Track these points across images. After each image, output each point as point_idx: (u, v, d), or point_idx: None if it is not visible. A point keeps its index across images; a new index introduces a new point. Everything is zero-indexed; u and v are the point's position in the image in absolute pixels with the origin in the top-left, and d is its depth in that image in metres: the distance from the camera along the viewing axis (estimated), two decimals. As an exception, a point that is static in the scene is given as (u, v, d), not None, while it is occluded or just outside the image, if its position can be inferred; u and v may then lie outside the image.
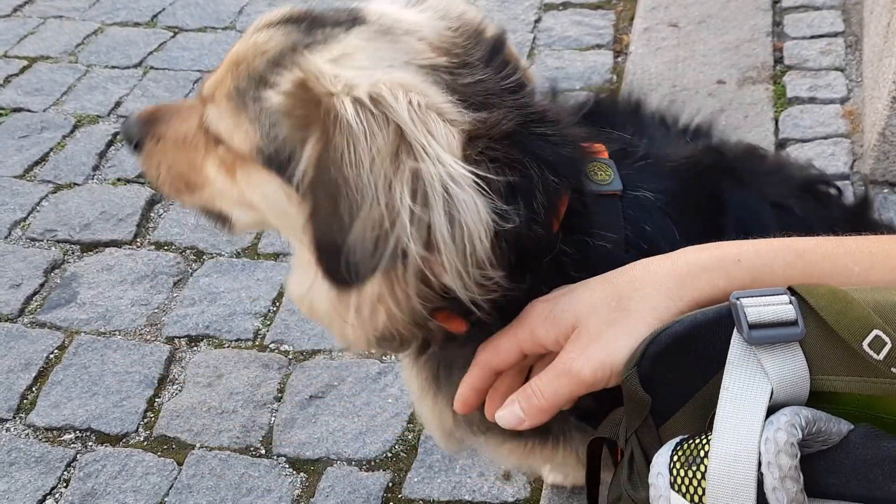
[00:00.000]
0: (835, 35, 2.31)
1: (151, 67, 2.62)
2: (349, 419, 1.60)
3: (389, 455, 1.54)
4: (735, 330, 0.57)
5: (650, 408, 0.60)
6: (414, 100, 0.66)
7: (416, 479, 1.49)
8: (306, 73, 0.70)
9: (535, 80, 0.84)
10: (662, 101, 2.12)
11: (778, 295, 0.58)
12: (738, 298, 0.57)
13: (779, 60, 2.27)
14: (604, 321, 0.66)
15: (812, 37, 2.32)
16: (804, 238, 0.66)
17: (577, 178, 0.75)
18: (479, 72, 0.73)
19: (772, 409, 0.54)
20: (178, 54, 2.68)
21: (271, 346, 1.76)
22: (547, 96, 0.87)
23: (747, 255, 0.65)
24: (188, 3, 2.93)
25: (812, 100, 2.11)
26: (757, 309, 0.56)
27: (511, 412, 0.71)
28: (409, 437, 1.56)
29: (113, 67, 2.63)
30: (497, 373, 0.75)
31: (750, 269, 0.64)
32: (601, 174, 0.77)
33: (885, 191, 1.84)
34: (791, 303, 0.57)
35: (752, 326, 0.56)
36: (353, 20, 0.76)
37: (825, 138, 1.99)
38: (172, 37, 2.76)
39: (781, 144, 2.01)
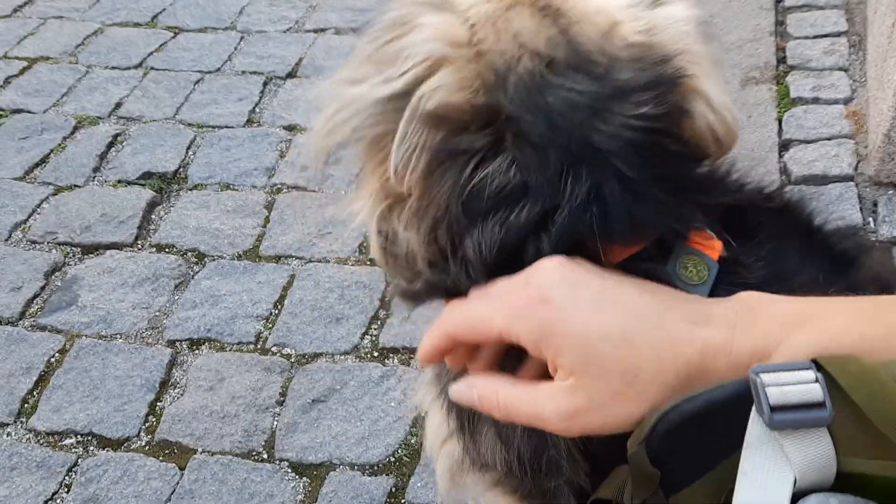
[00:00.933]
0: (838, 35, 2.30)
1: (152, 68, 2.61)
2: (352, 423, 1.59)
3: (392, 460, 1.53)
4: (754, 408, 0.51)
5: (661, 482, 0.55)
6: None
7: (419, 484, 1.48)
8: None
9: None
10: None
11: (802, 370, 0.51)
12: (757, 374, 0.51)
13: (782, 60, 2.26)
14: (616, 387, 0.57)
15: (815, 36, 2.31)
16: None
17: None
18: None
19: (796, 496, 0.49)
20: (178, 55, 2.67)
21: (273, 349, 1.75)
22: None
23: (828, 320, 0.57)
24: (188, 4, 2.92)
25: (816, 100, 2.10)
26: (780, 389, 0.50)
27: (466, 395, 0.64)
28: (412, 441, 1.55)
29: (113, 68, 2.62)
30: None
31: (829, 334, 0.56)
32: (692, 270, 0.66)
33: (890, 192, 1.83)
34: (817, 380, 0.51)
35: (774, 409, 0.49)
36: None
37: (829, 139, 1.98)
38: (173, 37, 2.75)
39: (785, 145, 2.00)
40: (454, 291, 0.70)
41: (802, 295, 0.61)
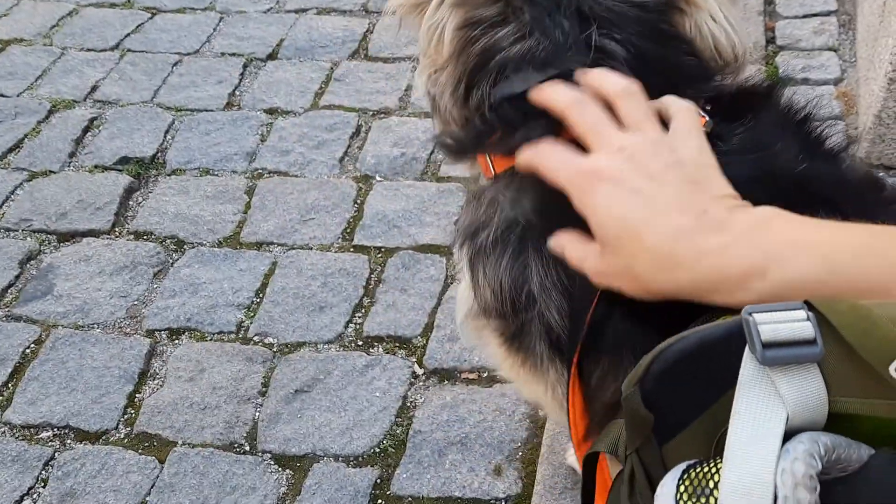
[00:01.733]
0: (828, 14, 2.27)
1: (128, 50, 2.55)
2: (336, 414, 1.56)
3: (377, 450, 1.50)
4: (747, 348, 0.53)
5: (654, 424, 0.56)
6: None
7: (404, 476, 1.46)
8: None
9: None
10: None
11: (794, 310, 0.53)
12: (750, 314, 0.52)
13: (771, 40, 2.23)
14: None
15: (805, 16, 2.28)
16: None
17: None
18: None
19: (787, 435, 0.50)
20: (155, 36, 2.60)
21: (255, 338, 1.71)
22: None
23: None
24: (166, -17, 2.85)
25: (805, 80, 2.07)
26: (771, 326, 0.51)
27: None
28: (398, 431, 1.53)
29: (89, 50, 2.55)
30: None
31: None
32: None
33: (881, 174, 1.81)
34: (809, 319, 0.52)
35: (766, 345, 0.51)
36: None
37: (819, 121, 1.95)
38: (150, 18, 2.68)
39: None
40: (483, 149, 0.80)
41: (781, 163, 0.71)
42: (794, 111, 0.81)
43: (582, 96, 0.70)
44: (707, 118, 0.73)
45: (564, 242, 0.70)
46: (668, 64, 0.76)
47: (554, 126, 0.72)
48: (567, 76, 0.72)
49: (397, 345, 1.67)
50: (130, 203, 2.04)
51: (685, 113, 0.70)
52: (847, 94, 2.01)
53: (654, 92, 0.71)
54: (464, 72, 0.78)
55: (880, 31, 1.81)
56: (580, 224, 0.68)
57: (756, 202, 0.64)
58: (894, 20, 1.68)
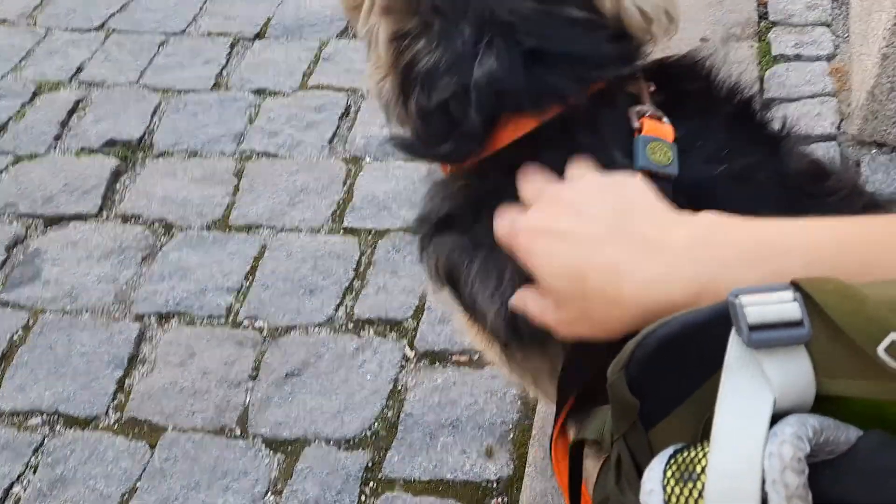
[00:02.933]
0: (820, -10, 2.24)
1: (114, 30, 2.51)
2: (327, 397, 1.55)
3: (369, 434, 1.50)
4: (733, 330, 0.52)
5: (640, 410, 0.55)
6: None
7: (396, 459, 1.45)
8: None
9: None
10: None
11: (780, 291, 0.51)
12: (736, 296, 0.51)
13: (763, 16, 2.21)
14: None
15: (798, -9, 2.25)
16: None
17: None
18: None
19: (775, 417, 0.49)
20: (141, 16, 2.56)
21: (245, 322, 1.70)
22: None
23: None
24: (151, -38, 2.80)
25: (798, 57, 2.05)
26: (758, 308, 0.50)
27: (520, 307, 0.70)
28: (389, 414, 1.52)
29: (73, 31, 2.52)
30: None
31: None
32: (660, 154, 0.71)
33: (874, 151, 1.79)
34: (796, 300, 0.51)
35: (753, 328, 0.50)
36: None
37: (811, 97, 1.94)
38: (135, -3, 2.64)
39: (767, 104, 1.95)
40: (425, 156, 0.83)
41: (749, 177, 0.71)
42: (734, 95, 0.80)
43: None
44: (670, 125, 0.73)
45: (525, 298, 0.69)
46: (574, 56, 0.74)
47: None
48: (485, 106, 0.73)
49: (388, 327, 1.66)
50: (117, 186, 2.02)
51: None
52: (840, 70, 1.99)
53: (562, 86, 0.73)
54: (399, 82, 0.79)
55: (873, 5, 1.79)
56: None
57: (703, 204, 0.63)
58: (888, -6, 1.66)
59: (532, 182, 0.71)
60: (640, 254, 0.60)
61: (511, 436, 1.47)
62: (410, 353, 1.62)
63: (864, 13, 1.89)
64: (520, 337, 0.77)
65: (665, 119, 0.74)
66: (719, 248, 0.59)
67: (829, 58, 2.04)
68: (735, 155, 0.73)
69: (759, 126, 0.79)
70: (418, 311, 1.68)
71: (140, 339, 1.68)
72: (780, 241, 0.58)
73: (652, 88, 0.77)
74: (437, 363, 1.59)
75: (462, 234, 0.78)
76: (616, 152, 0.72)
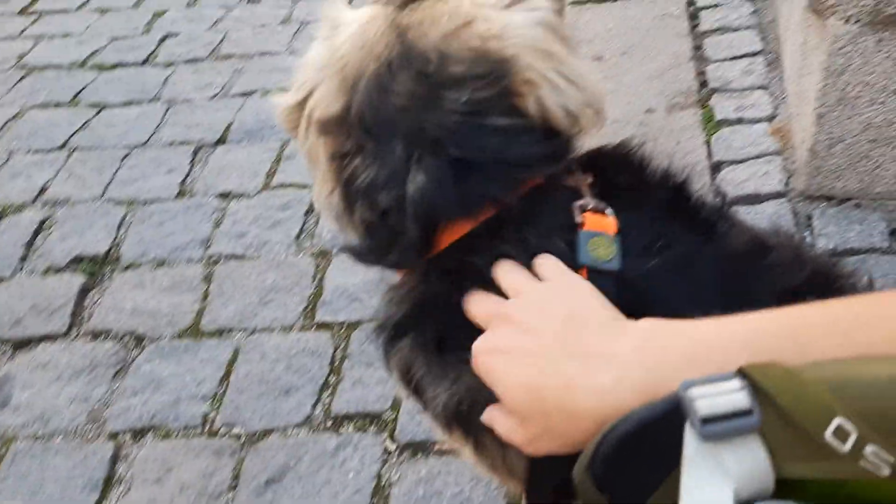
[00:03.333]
0: (754, 54, 2.35)
1: (77, 148, 2.55)
2: (310, 501, 1.53)
3: (354, 534, 1.47)
4: (688, 423, 0.53)
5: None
6: None
7: (384, 558, 1.43)
8: None
9: None
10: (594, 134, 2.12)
11: (728, 381, 0.53)
12: (686, 389, 0.53)
13: (704, 84, 2.30)
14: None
15: (733, 58, 2.36)
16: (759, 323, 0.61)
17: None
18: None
19: None
20: (103, 132, 2.61)
21: (222, 430, 1.68)
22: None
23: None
24: (111, 79, 2.87)
25: (740, 120, 2.14)
26: (708, 400, 0.52)
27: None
28: (374, 512, 1.50)
29: (36, 152, 2.55)
30: None
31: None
32: (601, 251, 0.74)
33: (823, 205, 1.86)
34: (743, 388, 0.53)
35: (705, 420, 0.51)
36: None
37: (758, 157, 2.01)
38: (97, 114, 2.69)
39: (716, 167, 2.03)
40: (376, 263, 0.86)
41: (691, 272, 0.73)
42: (668, 181, 0.84)
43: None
44: (612, 218, 0.76)
45: (494, 416, 0.71)
46: (501, 160, 0.77)
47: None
48: (421, 219, 0.77)
49: (367, 421, 1.65)
50: (86, 303, 2.02)
51: (546, 261, 0.73)
52: (782, 129, 2.07)
53: (492, 190, 0.76)
54: (343, 196, 0.84)
55: (804, 68, 1.88)
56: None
57: (644, 298, 0.66)
58: (815, 58, 1.75)
59: (480, 304, 0.74)
60: (590, 366, 0.62)
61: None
62: (392, 446, 1.60)
63: (796, 75, 1.99)
64: (475, 436, 0.79)
65: (608, 211, 0.77)
66: (663, 353, 0.61)
67: (770, 119, 2.12)
68: (672, 245, 0.75)
69: (695, 210, 0.82)
70: (396, 403, 1.68)
71: (115, 458, 1.65)
72: (718, 338, 0.61)
73: (589, 181, 0.80)
74: (420, 454, 1.58)
75: (414, 340, 0.80)
76: (559, 246, 0.74)
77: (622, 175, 0.83)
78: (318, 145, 0.84)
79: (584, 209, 0.77)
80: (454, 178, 0.76)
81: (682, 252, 0.75)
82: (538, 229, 0.76)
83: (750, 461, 0.52)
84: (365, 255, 0.84)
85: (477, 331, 0.72)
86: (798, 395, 0.51)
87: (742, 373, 0.54)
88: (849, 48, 1.67)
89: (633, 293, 0.68)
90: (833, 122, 1.75)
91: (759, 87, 2.22)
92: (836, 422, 0.49)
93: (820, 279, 0.78)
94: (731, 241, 0.78)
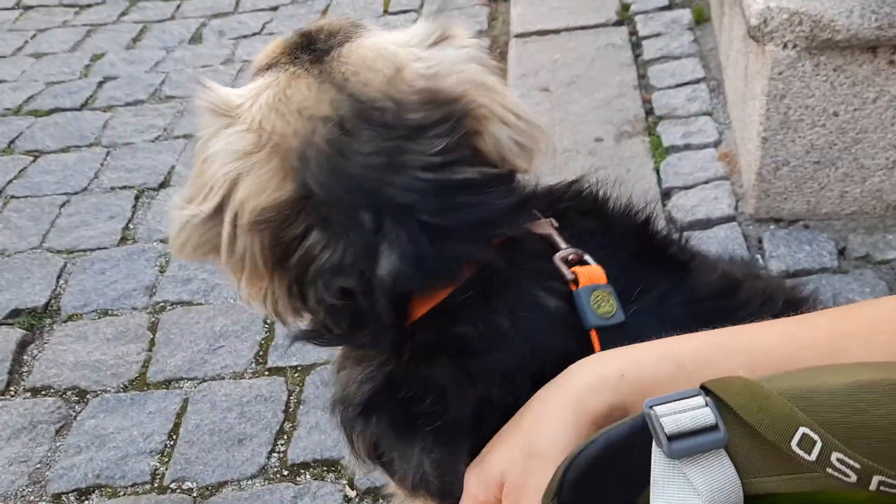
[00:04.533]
0: (697, 81, 2.40)
1: (12, 197, 2.45)
2: (267, 556, 1.46)
3: (316, 589, 1.40)
4: (654, 443, 0.52)
5: None
6: None
7: None
8: None
9: None
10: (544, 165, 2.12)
11: (692, 397, 0.53)
12: (651, 407, 0.52)
13: (650, 112, 2.33)
14: (523, 472, 0.62)
15: (677, 85, 2.40)
16: (687, 340, 0.64)
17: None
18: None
19: None
20: (40, 179, 2.52)
21: (172, 486, 1.60)
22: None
23: (630, 370, 0.62)
24: (47, 124, 2.79)
25: (687, 146, 2.16)
26: (673, 418, 0.52)
27: None
28: (336, 564, 1.44)
29: (-31, 202, 2.45)
30: None
31: (635, 383, 0.61)
32: (605, 306, 0.71)
33: (772, 227, 1.88)
34: (708, 405, 0.52)
35: (671, 438, 0.51)
36: None
37: (706, 182, 2.03)
38: (33, 161, 2.61)
39: (666, 194, 2.04)
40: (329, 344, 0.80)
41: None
42: (630, 218, 0.82)
43: None
44: (598, 265, 0.74)
45: None
46: (475, 221, 0.72)
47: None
48: (389, 294, 0.72)
49: (325, 468, 1.59)
50: (25, 358, 1.92)
51: None
52: (728, 154, 2.10)
53: (468, 252, 0.72)
54: (292, 280, 0.75)
55: (746, 93, 1.91)
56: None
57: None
58: (757, 84, 1.78)
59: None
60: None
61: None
62: (352, 493, 1.55)
63: (739, 101, 2.02)
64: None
65: (587, 256, 0.75)
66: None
67: (716, 144, 2.15)
68: (650, 288, 0.74)
69: (663, 248, 0.81)
70: (355, 447, 1.62)
71: (59, 521, 1.56)
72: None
73: (555, 225, 0.78)
74: (381, 500, 1.53)
75: (382, 418, 0.76)
76: (555, 306, 0.72)
77: (587, 217, 0.80)
78: (252, 245, 0.74)
79: (567, 262, 0.73)
80: (429, 248, 0.70)
81: (658, 295, 0.74)
82: (526, 290, 0.72)
83: (718, 478, 0.51)
84: (326, 338, 0.77)
85: (449, 403, 0.70)
86: (761, 406, 0.51)
87: (705, 388, 0.54)
88: (788, 73, 1.70)
89: (625, 342, 0.66)
90: (777, 145, 1.78)
91: (703, 114, 2.26)
92: (800, 431, 0.50)
93: (792, 312, 0.77)
94: (702, 281, 0.77)
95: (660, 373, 0.61)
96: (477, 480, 0.67)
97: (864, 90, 1.70)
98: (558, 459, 0.57)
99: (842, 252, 1.80)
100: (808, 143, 1.77)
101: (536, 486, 0.60)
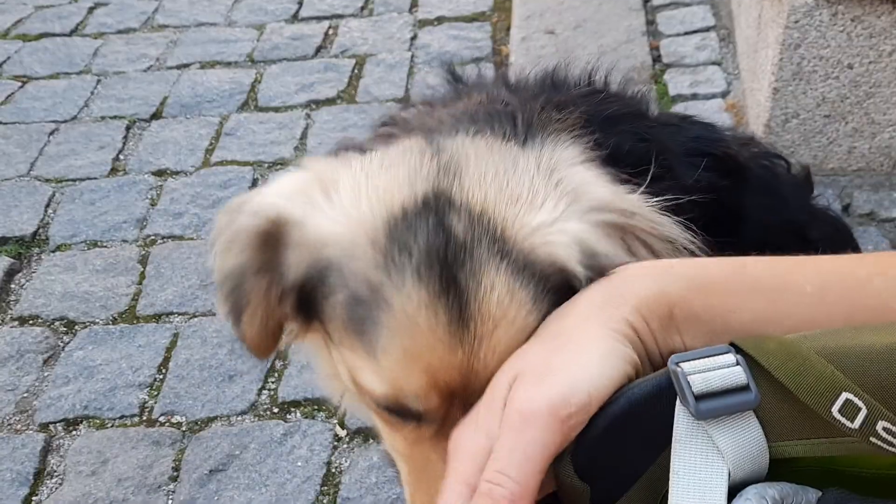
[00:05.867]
0: (707, 30, 2.34)
1: (0, 122, 2.39)
2: (256, 491, 1.45)
3: (304, 525, 1.40)
4: (678, 402, 0.48)
5: (591, 496, 0.51)
6: None
7: (336, 549, 1.36)
8: None
9: None
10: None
11: (722, 354, 0.49)
12: (677, 364, 0.49)
13: (657, 59, 2.27)
14: (548, 351, 0.54)
15: (686, 33, 2.34)
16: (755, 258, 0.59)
17: None
18: None
19: (732, 490, 0.46)
20: (28, 105, 2.45)
21: (161, 419, 1.59)
22: None
23: (683, 264, 0.57)
24: (36, 49, 2.70)
25: (694, 96, 2.11)
26: (702, 376, 0.48)
27: None
28: (325, 501, 1.43)
29: (-46, 126, 2.38)
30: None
31: (683, 275, 0.56)
32: None
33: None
34: (739, 363, 0.49)
35: (699, 398, 0.47)
36: None
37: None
38: (21, 87, 2.53)
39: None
40: None
41: None
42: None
43: None
44: None
45: None
46: None
47: None
48: None
49: (316, 407, 1.58)
50: (12, 286, 1.89)
51: None
52: (735, 105, 2.05)
53: None
54: None
55: (759, 42, 1.86)
56: None
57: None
58: (771, 32, 1.73)
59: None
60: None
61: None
62: (342, 433, 1.54)
63: (750, 50, 1.97)
64: None
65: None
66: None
67: (724, 94, 2.10)
68: None
69: None
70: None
71: (46, 450, 1.55)
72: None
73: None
74: (371, 440, 1.52)
75: None
76: None
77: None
78: None
79: None
80: None
81: None
82: None
83: (745, 441, 0.48)
84: None
85: None
86: (798, 368, 0.48)
87: (735, 347, 0.50)
88: (804, 21, 1.65)
89: None
90: (788, 97, 1.74)
91: (712, 63, 2.20)
92: (843, 397, 0.46)
93: None
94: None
95: (714, 269, 0.56)
96: (483, 407, 0.55)
97: (880, 42, 1.65)
98: (597, 336, 0.52)
99: (846, 208, 1.78)
100: (820, 96, 1.73)
101: (566, 360, 0.52)
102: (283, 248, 0.64)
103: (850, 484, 0.49)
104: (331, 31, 2.65)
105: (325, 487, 1.45)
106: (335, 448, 1.51)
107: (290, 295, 0.64)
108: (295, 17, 2.73)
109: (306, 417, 1.57)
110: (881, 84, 1.69)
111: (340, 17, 2.72)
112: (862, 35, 1.65)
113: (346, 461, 1.49)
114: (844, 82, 1.71)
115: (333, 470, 1.48)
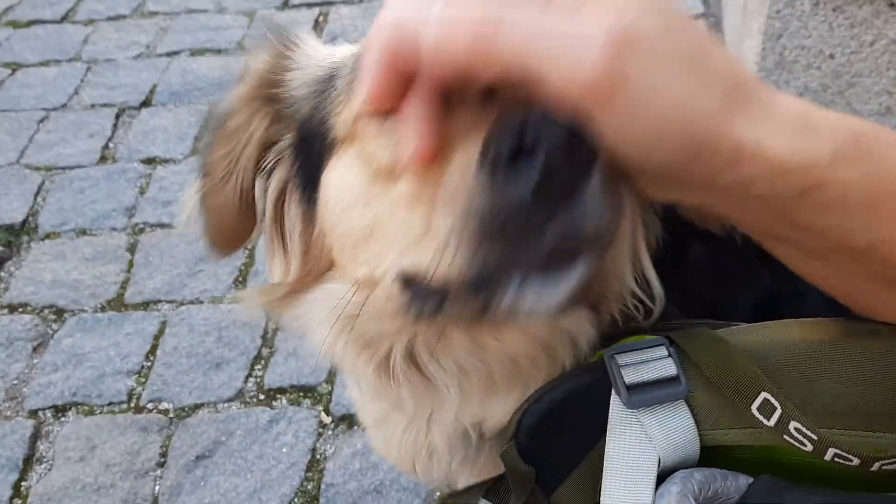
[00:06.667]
0: (696, 17, 2.34)
1: (-11, 110, 2.40)
2: (242, 477, 1.48)
3: (289, 510, 1.43)
4: (613, 391, 0.51)
5: (536, 478, 0.54)
6: None
7: (319, 533, 1.39)
8: None
9: None
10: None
11: (656, 347, 0.52)
12: (612, 356, 0.51)
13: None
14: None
15: (674, 21, 2.34)
16: None
17: None
18: None
19: (663, 475, 0.49)
20: (18, 93, 2.46)
21: (148, 406, 1.61)
22: None
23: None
24: (26, 36, 2.70)
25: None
26: (634, 368, 0.51)
27: None
28: (309, 487, 1.46)
29: (-56, 114, 2.39)
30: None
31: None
32: None
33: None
34: (670, 355, 0.51)
35: (631, 388, 0.50)
36: None
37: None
38: (11, 74, 2.54)
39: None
40: None
41: None
42: None
43: None
44: None
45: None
46: None
47: None
48: None
49: (301, 394, 1.60)
50: (2, 274, 1.90)
51: None
52: (720, 94, 2.06)
53: None
54: None
55: (744, 32, 1.87)
56: None
57: None
58: (754, 22, 1.74)
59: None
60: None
61: (437, 495, 1.43)
62: (327, 419, 1.56)
63: (736, 40, 1.98)
64: None
65: None
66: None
67: (709, 83, 2.11)
68: None
69: None
70: (332, 375, 1.63)
71: (35, 436, 1.57)
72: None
73: None
74: (356, 427, 1.54)
75: None
76: None
77: None
78: None
79: None
80: None
81: None
82: None
83: (675, 429, 0.51)
84: None
85: None
86: (723, 365, 0.50)
87: (669, 340, 0.53)
88: (787, 11, 1.66)
89: None
90: (771, 86, 1.74)
91: (698, 51, 2.21)
92: (762, 396, 0.49)
93: None
94: None
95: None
96: None
97: (861, 32, 1.66)
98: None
99: (827, 198, 1.79)
100: (802, 86, 1.74)
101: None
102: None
103: (787, 472, 0.51)
104: (321, 18, 2.65)
105: (310, 473, 1.47)
106: (320, 435, 1.53)
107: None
108: (285, 4, 2.74)
109: (292, 404, 1.59)
110: (862, 74, 1.70)
111: (331, 3, 2.72)
112: (843, 25, 1.66)
113: (330, 448, 1.51)
114: (826, 72, 1.72)
115: (318, 456, 1.50)
